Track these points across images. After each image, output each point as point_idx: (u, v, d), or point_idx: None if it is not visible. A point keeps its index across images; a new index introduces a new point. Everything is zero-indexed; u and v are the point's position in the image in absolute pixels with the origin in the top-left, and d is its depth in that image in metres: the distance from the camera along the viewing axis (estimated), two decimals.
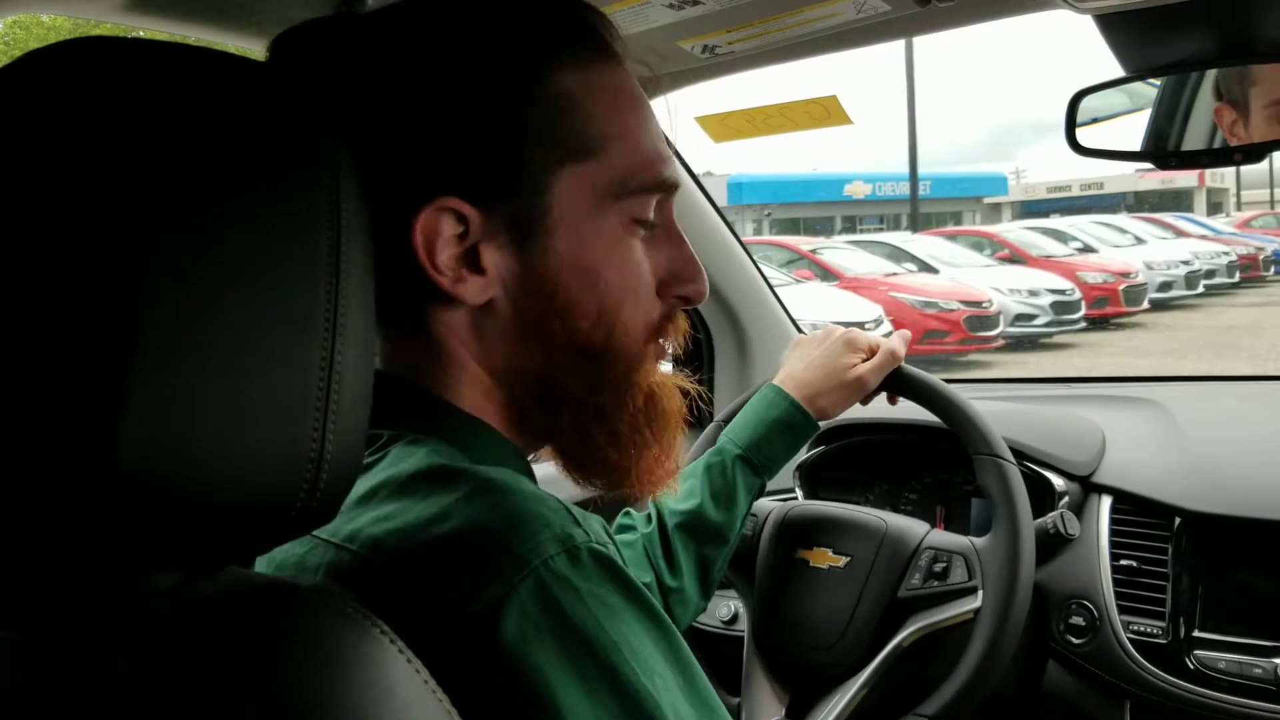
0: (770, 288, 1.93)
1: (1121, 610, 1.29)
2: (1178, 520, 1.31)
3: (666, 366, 0.81)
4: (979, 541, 1.21)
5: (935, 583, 1.21)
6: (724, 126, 1.56)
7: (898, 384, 1.32)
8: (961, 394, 1.28)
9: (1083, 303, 12.81)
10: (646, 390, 0.73)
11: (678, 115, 1.62)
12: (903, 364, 1.31)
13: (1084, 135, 1.26)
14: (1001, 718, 1.32)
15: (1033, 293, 12.60)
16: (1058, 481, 1.41)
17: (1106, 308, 13.41)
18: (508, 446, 0.72)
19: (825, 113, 1.49)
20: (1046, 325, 12.49)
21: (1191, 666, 1.21)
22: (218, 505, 0.48)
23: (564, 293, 0.68)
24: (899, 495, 1.57)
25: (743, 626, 1.34)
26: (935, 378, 1.31)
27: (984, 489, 1.23)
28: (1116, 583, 1.30)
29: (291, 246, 0.50)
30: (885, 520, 1.29)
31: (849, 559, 1.26)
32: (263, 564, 0.64)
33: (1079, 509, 1.38)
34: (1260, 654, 1.19)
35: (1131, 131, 1.26)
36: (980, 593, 1.18)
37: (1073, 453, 1.44)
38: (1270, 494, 1.29)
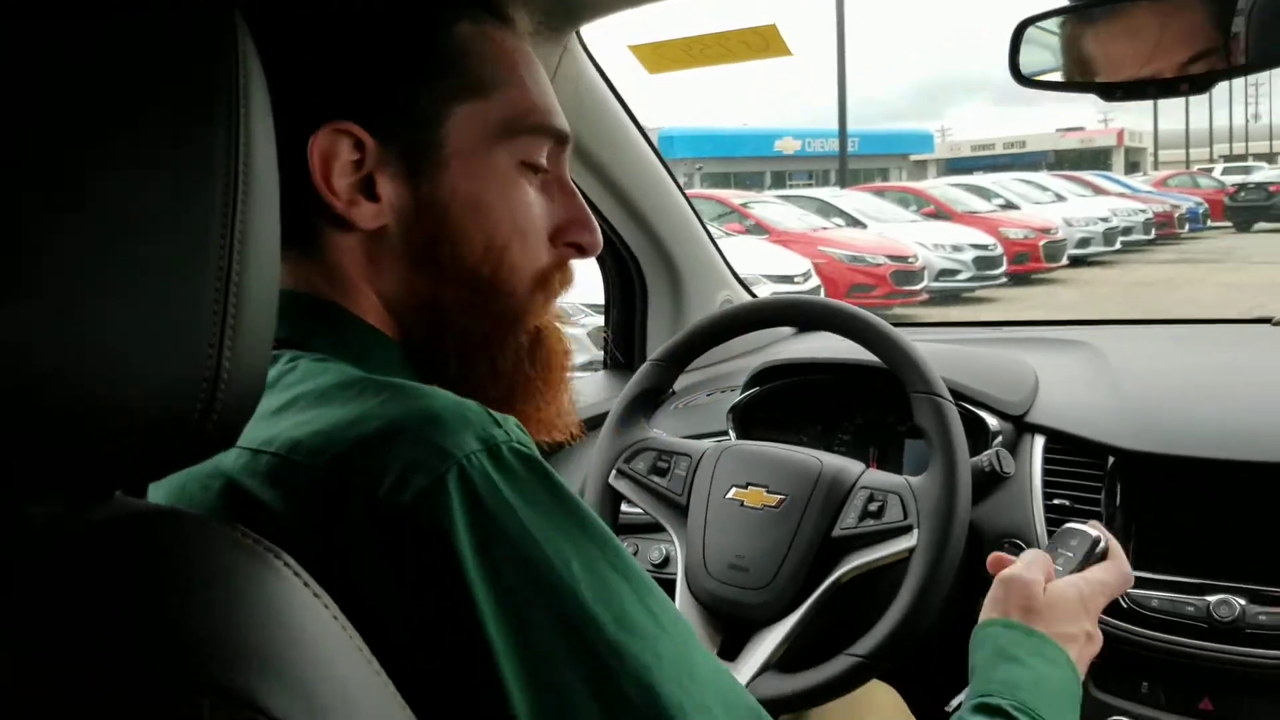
0: (706, 229, 1.90)
1: None
2: (1111, 460, 1.31)
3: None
4: (915, 480, 1.20)
5: (870, 521, 1.18)
6: (659, 56, 1.51)
7: (838, 323, 1.29)
8: (901, 333, 1.25)
9: (1004, 258, 13.07)
10: (533, 331, 0.77)
11: (612, 43, 1.56)
12: (842, 302, 1.28)
13: (1027, 68, 1.23)
14: (933, 658, 1.31)
15: (956, 248, 12.83)
16: (992, 421, 1.39)
17: (1027, 263, 13.71)
18: (406, 368, 0.73)
19: (764, 43, 1.45)
20: (969, 280, 12.73)
21: (1124, 605, 1.21)
22: (99, 422, 0.43)
23: (454, 223, 0.71)
24: (832, 436, 1.55)
25: (674, 569, 1.31)
26: (874, 316, 1.29)
27: (921, 428, 1.20)
28: (1049, 521, 1.30)
29: (185, 138, 0.44)
30: (820, 459, 1.26)
31: (783, 498, 1.24)
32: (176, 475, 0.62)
33: (1012, 449, 1.38)
34: (1192, 591, 1.20)
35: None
36: (915, 531, 1.16)
37: (1006, 392, 1.43)
38: (1201, 432, 1.29)
